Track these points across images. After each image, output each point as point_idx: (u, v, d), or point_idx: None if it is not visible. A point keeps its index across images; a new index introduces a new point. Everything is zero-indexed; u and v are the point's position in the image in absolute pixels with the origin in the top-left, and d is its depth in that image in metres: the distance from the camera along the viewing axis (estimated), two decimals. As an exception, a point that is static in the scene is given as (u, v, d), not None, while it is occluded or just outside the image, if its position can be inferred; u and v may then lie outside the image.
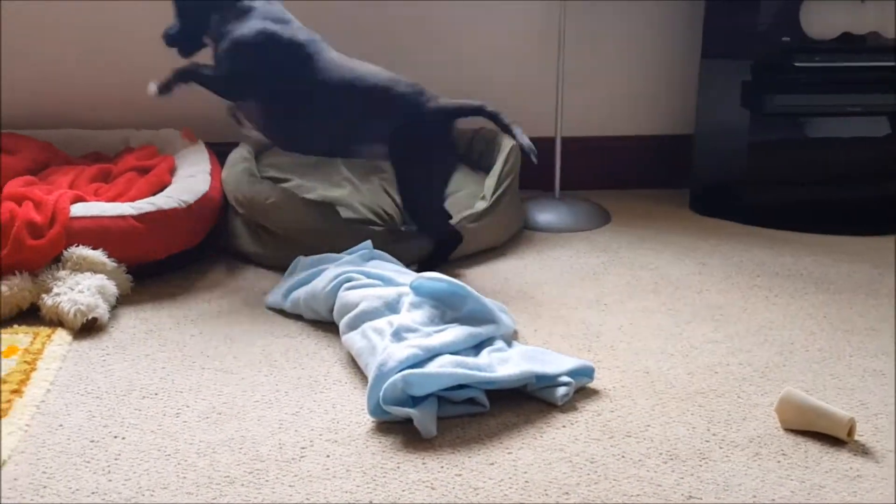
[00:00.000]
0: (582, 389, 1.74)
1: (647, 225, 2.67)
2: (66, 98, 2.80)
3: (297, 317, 2.04)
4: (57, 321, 1.99)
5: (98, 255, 2.10)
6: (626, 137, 2.99)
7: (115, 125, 2.78)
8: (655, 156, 2.99)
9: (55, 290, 2.01)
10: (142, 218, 2.19)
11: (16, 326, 1.96)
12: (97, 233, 2.14)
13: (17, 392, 1.70)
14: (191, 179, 2.39)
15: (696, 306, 2.13)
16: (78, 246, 2.10)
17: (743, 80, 2.70)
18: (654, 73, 2.96)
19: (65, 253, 2.09)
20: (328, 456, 1.53)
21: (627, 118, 2.99)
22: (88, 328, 1.97)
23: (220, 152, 2.58)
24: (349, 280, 1.99)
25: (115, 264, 2.12)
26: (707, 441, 1.59)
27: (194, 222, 2.29)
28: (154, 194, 2.32)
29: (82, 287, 2.01)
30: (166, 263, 2.25)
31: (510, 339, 1.88)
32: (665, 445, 1.58)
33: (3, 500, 1.41)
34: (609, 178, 2.96)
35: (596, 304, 2.13)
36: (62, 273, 2.05)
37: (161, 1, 2.33)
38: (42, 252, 2.08)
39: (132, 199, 2.29)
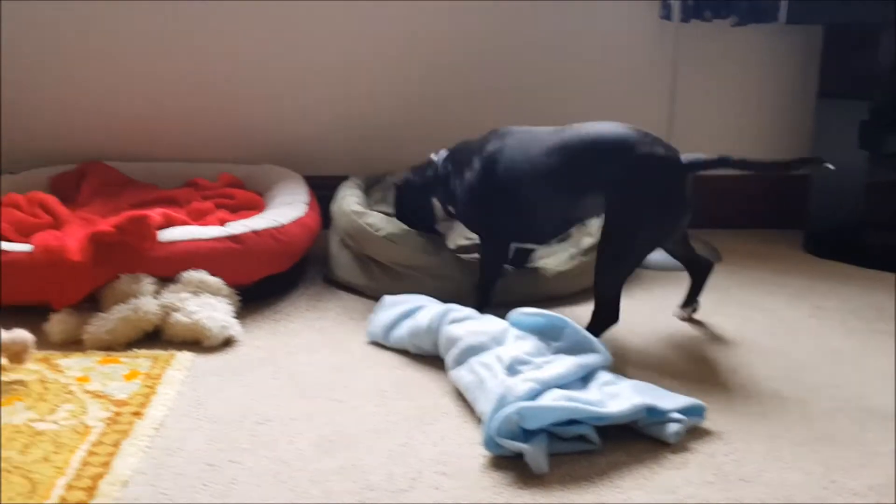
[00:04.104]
0: (694, 430, 1.72)
1: (758, 265, 2.62)
2: (166, 130, 2.90)
3: (405, 349, 2.06)
4: (190, 339, 2.05)
5: (217, 281, 2.17)
6: (737, 176, 2.94)
7: (214, 159, 2.87)
8: (768, 195, 2.94)
9: (187, 308, 2.07)
10: (236, 239, 2.24)
11: (136, 351, 2.03)
12: (195, 255, 2.19)
13: (137, 414, 1.75)
14: (286, 206, 2.46)
15: (812, 351, 2.07)
16: (199, 270, 2.17)
17: (861, 119, 2.64)
18: (768, 111, 2.92)
19: (184, 276, 2.16)
20: (437, 488, 1.54)
21: (738, 156, 2.93)
22: (224, 344, 2.05)
23: (315, 185, 2.66)
24: (450, 313, 2.00)
25: (229, 289, 2.18)
26: (825, 488, 1.54)
27: (287, 245, 2.33)
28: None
29: (215, 306, 2.08)
30: (259, 289, 2.29)
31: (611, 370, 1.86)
32: (781, 491, 1.54)
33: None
34: (719, 216, 2.92)
35: (707, 344, 2.10)
36: (184, 295, 2.12)
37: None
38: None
39: (221, 223, 2.36)
